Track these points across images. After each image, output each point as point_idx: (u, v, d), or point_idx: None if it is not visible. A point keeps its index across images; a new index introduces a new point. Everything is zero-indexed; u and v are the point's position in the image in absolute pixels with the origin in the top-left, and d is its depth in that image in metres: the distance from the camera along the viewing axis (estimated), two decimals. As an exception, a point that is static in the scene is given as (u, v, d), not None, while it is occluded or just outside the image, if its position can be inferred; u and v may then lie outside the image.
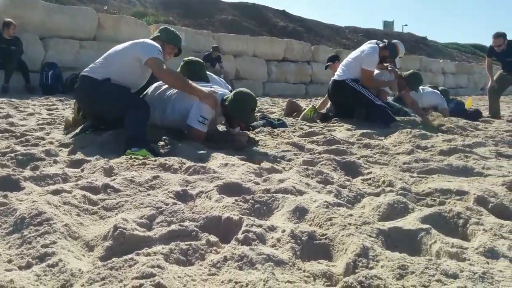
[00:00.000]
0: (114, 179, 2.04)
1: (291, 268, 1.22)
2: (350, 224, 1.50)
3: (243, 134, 3.55)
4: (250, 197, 1.79)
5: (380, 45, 5.42)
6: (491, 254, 1.32)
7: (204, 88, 3.39)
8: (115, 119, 3.19)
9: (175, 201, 1.72)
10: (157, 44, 3.36)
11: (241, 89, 3.41)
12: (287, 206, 1.72)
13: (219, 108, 3.37)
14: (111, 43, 10.20)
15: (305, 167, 2.48)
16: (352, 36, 25.89)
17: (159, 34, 3.66)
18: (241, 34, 14.44)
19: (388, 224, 1.55)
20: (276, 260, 1.23)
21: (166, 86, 3.51)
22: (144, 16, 14.28)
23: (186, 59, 4.04)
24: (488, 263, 1.26)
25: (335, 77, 5.52)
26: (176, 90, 3.44)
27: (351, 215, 1.58)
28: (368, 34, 26.91)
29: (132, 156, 2.59)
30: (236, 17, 19.52)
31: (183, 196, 1.82)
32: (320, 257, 1.36)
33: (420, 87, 6.21)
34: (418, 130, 4.19)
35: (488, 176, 2.50)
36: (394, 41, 5.68)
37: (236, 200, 1.75)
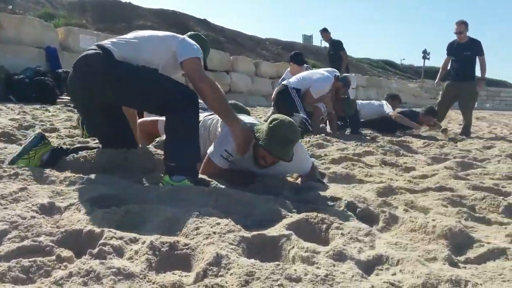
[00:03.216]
0: (-27, 192, 1.87)
1: (141, 281, 1.19)
2: (215, 233, 1.51)
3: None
4: (122, 208, 1.74)
5: (335, 75, 5.76)
6: (339, 256, 1.39)
7: (244, 118, 2.63)
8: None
9: (36, 214, 1.62)
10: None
11: (277, 115, 2.47)
12: (160, 216, 1.70)
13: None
14: (13, 45, 9.60)
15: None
16: (272, 48, 26.57)
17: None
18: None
19: (253, 232, 1.58)
20: (126, 273, 1.19)
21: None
22: (54, 18, 13.54)
23: None
24: (334, 265, 1.32)
25: (285, 81, 5.83)
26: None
27: (218, 223, 1.59)
28: (288, 46, 27.80)
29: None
30: (156, 24, 19.20)
31: (48, 209, 1.71)
32: (179, 268, 1.35)
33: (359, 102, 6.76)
34: (316, 139, 4.37)
35: (367, 183, 2.66)
36: (345, 74, 6.07)
37: (105, 212, 1.69)
